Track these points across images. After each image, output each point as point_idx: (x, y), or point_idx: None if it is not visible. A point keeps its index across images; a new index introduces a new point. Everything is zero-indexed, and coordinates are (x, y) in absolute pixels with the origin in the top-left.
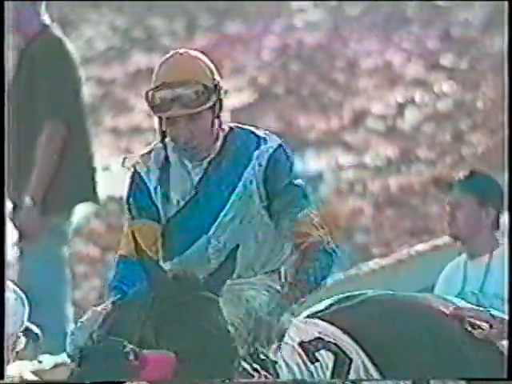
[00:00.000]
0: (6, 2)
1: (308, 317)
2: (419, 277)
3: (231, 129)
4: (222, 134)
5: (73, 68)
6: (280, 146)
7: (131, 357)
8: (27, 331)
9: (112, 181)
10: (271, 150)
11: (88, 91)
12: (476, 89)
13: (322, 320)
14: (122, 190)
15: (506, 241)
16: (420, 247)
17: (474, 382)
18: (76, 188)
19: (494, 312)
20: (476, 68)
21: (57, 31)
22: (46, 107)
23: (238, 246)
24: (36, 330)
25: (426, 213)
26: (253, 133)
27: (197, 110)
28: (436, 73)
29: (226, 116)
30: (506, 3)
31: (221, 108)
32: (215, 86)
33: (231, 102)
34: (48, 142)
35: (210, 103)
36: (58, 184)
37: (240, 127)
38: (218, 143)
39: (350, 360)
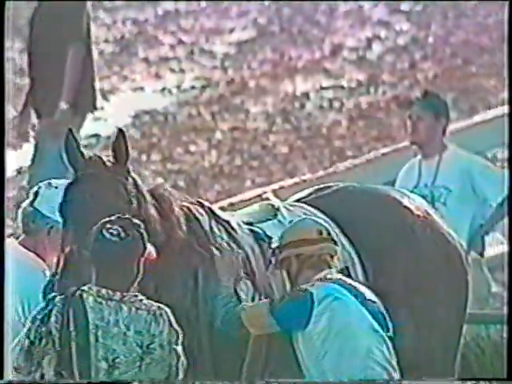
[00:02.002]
0: (6, 2)
1: (294, 201)
2: (383, 173)
3: None
4: None
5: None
6: None
7: None
8: None
9: (145, 99)
10: None
11: (125, 30)
12: (427, 28)
13: (306, 203)
14: (154, 105)
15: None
16: (384, 150)
17: (474, 382)
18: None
19: None
20: (427, 11)
21: None
22: (70, 31)
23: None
24: None
25: (389, 124)
26: None
27: None
28: (397, 15)
29: (231, 50)
30: (507, 3)
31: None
32: None
33: (237, 37)
34: (73, 59)
35: None
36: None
37: None
38: None
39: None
